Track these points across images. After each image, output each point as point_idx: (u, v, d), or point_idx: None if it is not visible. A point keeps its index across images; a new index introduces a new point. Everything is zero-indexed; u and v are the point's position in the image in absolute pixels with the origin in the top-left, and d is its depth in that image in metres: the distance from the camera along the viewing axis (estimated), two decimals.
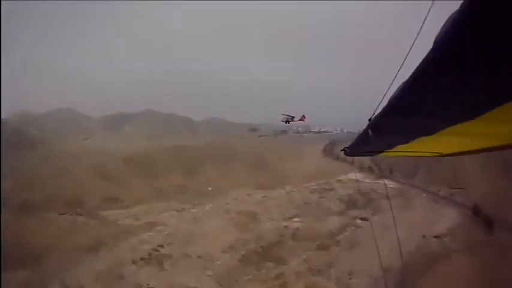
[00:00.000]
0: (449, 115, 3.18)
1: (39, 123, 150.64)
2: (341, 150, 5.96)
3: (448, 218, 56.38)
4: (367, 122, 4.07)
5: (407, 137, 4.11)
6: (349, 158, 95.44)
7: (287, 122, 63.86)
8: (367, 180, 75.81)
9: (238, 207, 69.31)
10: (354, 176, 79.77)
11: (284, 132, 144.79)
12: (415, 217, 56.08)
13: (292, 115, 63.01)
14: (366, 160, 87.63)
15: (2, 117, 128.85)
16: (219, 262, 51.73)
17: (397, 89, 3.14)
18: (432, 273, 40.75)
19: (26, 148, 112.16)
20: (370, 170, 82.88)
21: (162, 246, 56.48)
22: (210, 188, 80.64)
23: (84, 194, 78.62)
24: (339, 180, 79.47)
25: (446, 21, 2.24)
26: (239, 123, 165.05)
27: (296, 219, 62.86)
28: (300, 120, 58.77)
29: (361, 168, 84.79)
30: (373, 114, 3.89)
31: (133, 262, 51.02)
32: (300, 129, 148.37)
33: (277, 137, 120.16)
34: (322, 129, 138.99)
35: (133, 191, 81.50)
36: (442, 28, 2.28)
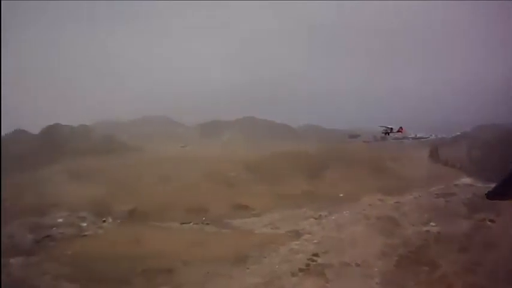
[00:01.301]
0: None
1: (129, 130, 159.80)
2: (485, 194, 7.47)
3: None
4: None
5: None
6: (457, 164, 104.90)
7: (386, 133, 70.24)
8: (479, 184, 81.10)
9: (376, 212, 73.07)
10: (468, 180, 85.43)
11: (384, 138, 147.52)
12: None
13: (391, 126, 70.15)
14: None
15: (88, 124, 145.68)
16: (376, 269, 53.73)
17: None
18: None
19: (119, 154, 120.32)
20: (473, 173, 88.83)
21: (317, 255, 58.06)
22: (341, 195, 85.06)
23: (206, 202, 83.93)
24: (456, 185, 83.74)
25: None
26: (336, 130, 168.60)
27: (432, 223, 66.36)
28: (398, 131, 65.18)
29: (469, 173, 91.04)
30: None
31: (293, 274, 52.48)
32: (397, 135, 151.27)
33: (379, 143, 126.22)
34: (418, 135, 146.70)
35: (260, 198, 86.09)
36: None
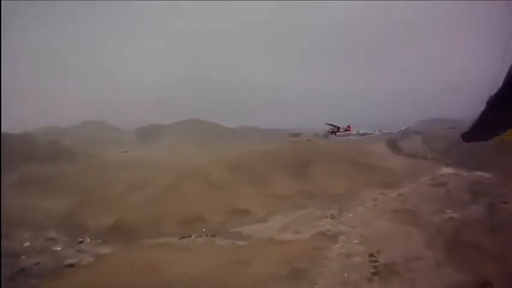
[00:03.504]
0: None
1: (70, 136, 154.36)
2: (460, 136, 7.33)
3: None
4: (486, 105, 6.11)
5: None
6: (428, 155, 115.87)
7: (333, 133, 75.56)
8: (464, 173, 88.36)
9: (388, 206, 74.83)
10: (450, 170, 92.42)
11: (327, 136, 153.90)
12: None
13: (337, 125, 76.21)
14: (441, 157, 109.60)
15: (29, 131, 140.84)
16: (435, 258, 55.60)
17: (510, 69, 5.14)
18: None
19: (67, 161, 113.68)
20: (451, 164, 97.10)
21: (373, 255, 57.57)
22: (338, 192, 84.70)
23: (198, 209, 78.33)
24: (442, 175, 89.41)
25: None
26: (274, 129, 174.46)
27: (448, 210, 69.87)
28: (346, 130, 71.49)
29: (445, 163, 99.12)
30: (490, 96, 5.97)
31: (369, 279, 51.36)
32: (342, 133, 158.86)
33: (323, 140, 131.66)
34: (361, 132, 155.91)
35: (256, 201, 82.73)
36: None
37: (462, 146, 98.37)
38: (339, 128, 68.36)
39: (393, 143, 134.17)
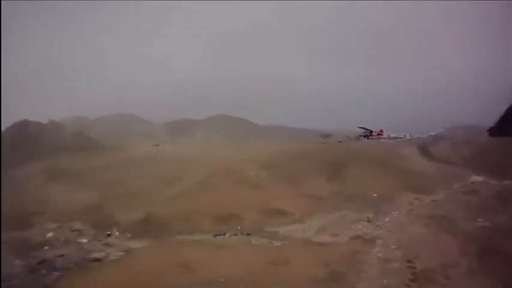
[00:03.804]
0: None
1: (97, 127, 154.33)
2: (487, 131, 6.47)
3: None
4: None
5: None
6: (459, 162, 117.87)
7: (366, 136, 76.42)
8: (493, 182, 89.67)
9: (423, 212, 77.07)
10: (480, 178, 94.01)
11: (358, 139, 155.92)
12: None
13: (370, 129, 77.08)
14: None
15: (58, 120, 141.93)
16: (468, 267, 57.80)
17: None
18: None
19: (94, 152, 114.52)
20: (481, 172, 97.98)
21: (411, 261, 59.53)
22: (374, 195, 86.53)
23: (234, 206, 79.35)
24: (473, 183, 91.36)
25: None
26: (304, 129, 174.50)
27: (480, 219, 71.57)
28: (379, 134, 72.38)
29: (475, 170, 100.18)
30: None
31: (407, 285, 53.20)
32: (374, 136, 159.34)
33: (354, 143, 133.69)
34: (392, 135, 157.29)
35: (292, 201, 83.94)
36: None
37: (491, 153, 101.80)
38: (371, 131, 70.65)
39: (424, 148, 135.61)
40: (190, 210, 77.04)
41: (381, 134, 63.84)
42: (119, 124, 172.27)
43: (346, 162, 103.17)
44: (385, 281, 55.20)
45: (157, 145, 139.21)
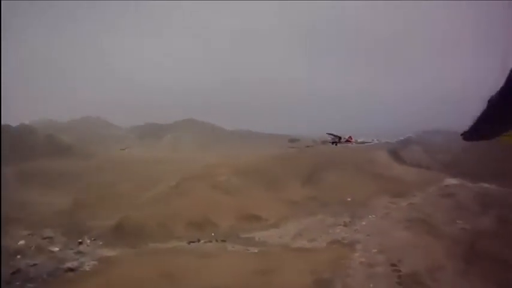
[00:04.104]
0: None
1: (68, 131, 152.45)
2: (460, 135, 6.92)
3: None
4: (487, 103, 4.94)
5: None
6: (433, 166, 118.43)
7: (334, 143, 76.98)
8: (469, 184, 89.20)
9: (401, 215, 75.86)
10: (455, 181, 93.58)
11: (324, 142, 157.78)
12: None
13: (338, 135, 77.68)
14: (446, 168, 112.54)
15: (28, 124, 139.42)
16: (454, 269, 57.76)
17: None
18: None
19: (65, 156, 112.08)
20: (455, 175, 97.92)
21: (395, 265, 58.69)
22: (349, 199, 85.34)
23: (207, 212, 77.50)
24: (447, 186, 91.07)
25: None
26: (271, 134, 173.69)
27: (458, 221, 71.42)
28: (347, 141, 73.05)
29: (450, 174, 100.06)
30: (491, 95, 4.74)
31: None
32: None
33: (321, 147, 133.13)
34: (360, 140, 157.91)
35: (266, 206, 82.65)
36: None
37: (464, 157, 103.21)
38: (340, 138, 68.73)
39: (395, 153, 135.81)
40: (163, 216, 74.96)
41: (350, 141, 61.84)
42: (87, 128, 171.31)
43: (320, 167, 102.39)
44: (371, 285, 53.98)
45: (124, 149, 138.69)
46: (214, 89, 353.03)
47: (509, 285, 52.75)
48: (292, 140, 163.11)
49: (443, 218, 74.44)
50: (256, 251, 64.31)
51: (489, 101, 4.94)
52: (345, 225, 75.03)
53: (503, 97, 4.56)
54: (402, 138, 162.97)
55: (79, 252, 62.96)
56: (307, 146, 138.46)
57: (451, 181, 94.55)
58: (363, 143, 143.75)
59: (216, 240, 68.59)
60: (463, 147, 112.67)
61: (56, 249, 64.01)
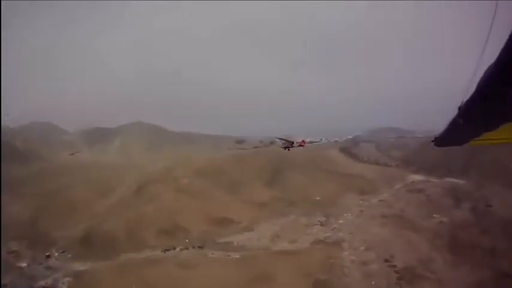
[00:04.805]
0: None
1: (19, 137, 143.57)
2: (431, 142, 7.01)
3: None
4: (457, 111, 4.91)
5: (495, 123, 5.21)
6: (391, 163, 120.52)
7: (286, 148, 79.79)
8: (434, 179, 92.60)
9: (376, 212, 76.95)
10: (419, 177, 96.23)
11: (272, 143, 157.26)
12: None
13: (291, 140, 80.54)
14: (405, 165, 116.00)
15: None
16: (444, 260, 60.05)
17: (483, 75, 4.13)
18: None
19: (18, 162, 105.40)
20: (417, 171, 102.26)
21: (388, 261, 59.69)
22: (318, 198, 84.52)
23: (177, 217, 74.75)
24: (413, 182, 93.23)
25: None
26: (217, 136, 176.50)
27: (435, 215, 73.37)
28: (300, 145, 76.12)
29: (411, 171, 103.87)
30: (462, 102, 4.73)
31: (398, 284, 53.83)
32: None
33: (273, 148, 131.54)
34: (307, 140, 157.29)
35: (236, 208, 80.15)
36: None
37: (421, 154, 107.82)
38: (292, 142, 67.39)
39: (347, 151, 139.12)
40: (131, 224, 71.24)
41: (302, 145, 60.44)
42: (38, 133, 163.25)
43: (279, 167, 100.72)
44: (373, 282, 54.15)
45: (73, 154, 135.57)
46: (159, 90, 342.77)
47: (500, 271, 54.90)
48: (239, 141, 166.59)
49: (419, 213, 76.25)
50: (237, 256, 61.87)
51: (459, 108, 5.17)
52: (322, 224, 74.07)
53: (473, 105, 4.83)
54: (350, 136, 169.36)
55: (49, 268, 59.19)
56: (255, 147, 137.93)
57: (416, 177, 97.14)
58: (311, 142, 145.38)
59: (193, 247, 65.60)
60: (419, 144, 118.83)
61: (24, 264, 60.05)
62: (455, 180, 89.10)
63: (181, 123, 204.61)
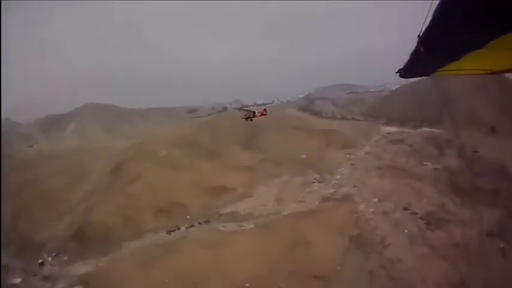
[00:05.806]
0: (497, 23, 4.00)
1: None
2: (396, 72, 6.67)
3: None
4: (417, 39, 4.69)
5: (458, 52, 5.28)
6: (360, 118, 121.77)
7: (248, 118, 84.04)
8: (408, 130, 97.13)
9: (370, 165, 79.17)
10: (392, 129, 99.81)
11: (225, 109, 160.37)
12: None
13: (252, 110, 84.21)
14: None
15: None
16: (451, 198, 64.14)
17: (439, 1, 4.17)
18: None
19: None
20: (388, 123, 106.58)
21: (408, 208, 61.87)
22: (303, 156, 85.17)
23: (171, 194, 72.28)
24: (389, 133, 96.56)
25: None
26: (166, 108, 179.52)
27: (425, 162, 77.11)
28: (262, 115, 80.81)
29: (382, 123, 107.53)
30: (421, 30, 4.54)
31: (430, 230, 56.01)
32: (235, 105, 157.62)
33: (234, 113, 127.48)
34: (259, 102, 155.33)
35: (222, 175, 78.74)
36: None
37: (384, 107, 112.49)
38: (254, 112, 66.74)
39: (306, 109, 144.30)
40: (124, 209, 66.98)
41: (265, 114, 59.40)
42: None
43: (251, 131, 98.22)
44: (406, 230, 56.16)
45: (32, 146, 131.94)
46: (108, 69, 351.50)
47: (509, 208, 59.21)
48: (191, 111, 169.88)
49: (409, 162, 79.71)
50: (252, 226, 61.05)
51: (418, 37, 5.33)
52: (319, 181, 75.06)
53: (432, 33, 4.98)
54: (302, 96, 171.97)
55: (47, 278, 53.00)
56: (210, 114, 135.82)
57: (390, 129, 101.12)
58: (264, 104, 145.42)
59: (199, 223, 63.33)
60: (376, 98, 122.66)
61: (18, 280, 53.34)
62: (432, 130, 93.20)
63: (132, 99, 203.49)
